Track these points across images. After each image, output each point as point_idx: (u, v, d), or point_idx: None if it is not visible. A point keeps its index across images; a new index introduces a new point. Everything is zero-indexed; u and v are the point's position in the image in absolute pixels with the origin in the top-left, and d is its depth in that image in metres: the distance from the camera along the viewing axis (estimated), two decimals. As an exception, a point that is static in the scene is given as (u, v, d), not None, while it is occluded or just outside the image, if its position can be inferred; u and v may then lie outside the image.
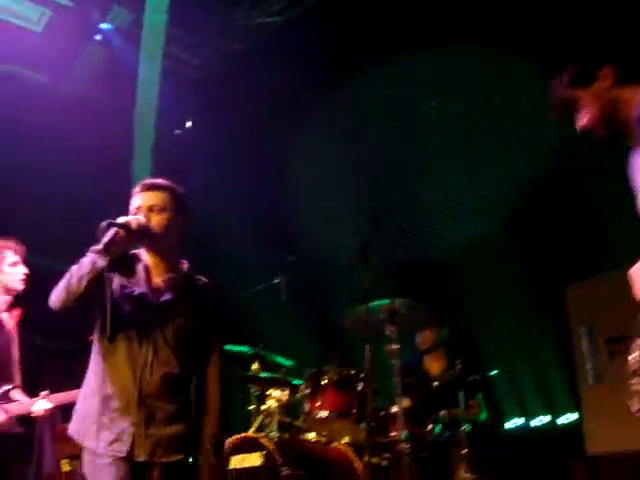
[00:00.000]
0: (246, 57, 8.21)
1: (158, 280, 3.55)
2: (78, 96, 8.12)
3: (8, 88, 7.54)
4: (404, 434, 4.71)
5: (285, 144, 8.00)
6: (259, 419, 5.55)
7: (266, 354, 5.81)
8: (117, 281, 3.46)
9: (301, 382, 5.49)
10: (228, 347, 5.91)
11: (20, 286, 5.02)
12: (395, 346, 4.93)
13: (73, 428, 3.48)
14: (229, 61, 8.39)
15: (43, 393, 4.83)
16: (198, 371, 3.55)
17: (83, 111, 7.91)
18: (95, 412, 3.38)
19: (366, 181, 7.54)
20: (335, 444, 5.36)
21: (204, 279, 3.67)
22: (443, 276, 6.70)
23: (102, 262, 3.25)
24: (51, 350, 7.23)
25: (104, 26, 8.16)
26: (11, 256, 5.04)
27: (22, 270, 5.06)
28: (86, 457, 3.40)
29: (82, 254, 3.34)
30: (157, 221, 3.47)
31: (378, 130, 7.53)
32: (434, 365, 5.89)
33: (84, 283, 3.25)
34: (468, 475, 4.71)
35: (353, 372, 5.25)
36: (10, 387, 4.86)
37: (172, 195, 3.56)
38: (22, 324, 5.14)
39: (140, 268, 3.56)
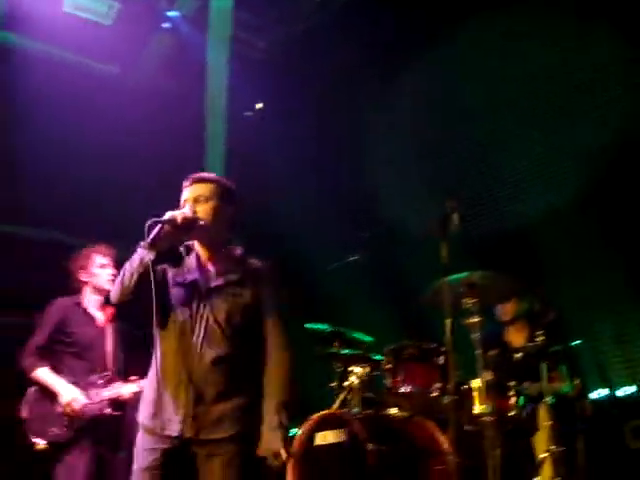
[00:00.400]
0: (311, 36, 8.20)
1: (210, 267, 3.67)
2: (148, 85, 8.24)
3: (80, 81, 7.71)
4: (487, 407, 4.68)
5: (358, 120, 7.98)
6: (342, 396, 5.59)
7: (346, 331, 5.84)
8: (170, 272, 3.64)
9: (382, 358, 5.50)
10: (308, 325, 5.99)
11: (108, 286, 5.27)
12: (475, 319, 4.88)
13: (139, 411, 3.67)
14: (295, 42, 8.40)
15: (132, 378, 5.21)
16: (257, 352, 3.64)
17: (154, 100, 8.03)
18: (151, 395, 3.58)
19: (443, 152, 7.46)
20: (418, 419, 5.36)
21: (257, 262, 3.76)
22: (523, 246, 6.59)
23: (149, 257, 3.41)
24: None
25: (171, 14, 8.25)
26: (99, 259, 5.46)
27: (110, 271, 5.41)
28: (140, 436, 3.58)
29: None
30: (203, 210, 3.62)
31: (454, 101, 7.44)
32: (516, 336, 5.82)
33: (135, 278, 3.45)
34: (553, 447, 4.65)
35: (434, 346, 5.22)
36: (105, 374, 5.16)
37: (218, 186, 3.71)
38: (121, 318, 5.43)
39: (192, 257, 3.70)
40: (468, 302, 4.94)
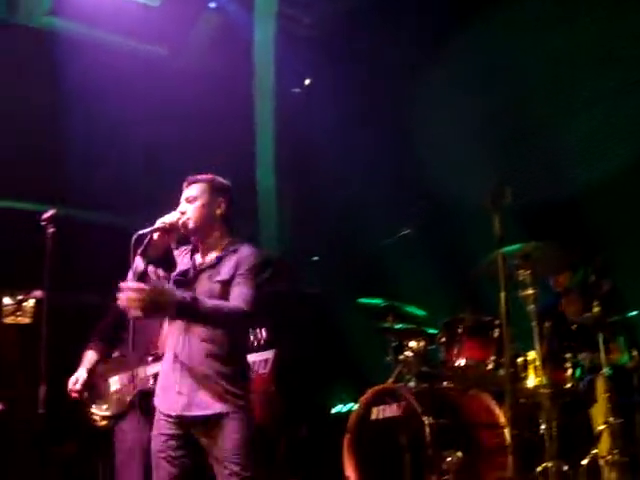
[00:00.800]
0: (358, 11, 8.13)
1: (198, 257, 4.00)
2: (196, 66, 8.28)
3: (128, 64, 7.77)
4: (543, 380, 4.64)
5: (408, 93, 7.91)
6: (397, 370, 5.62)
7: (400, 305, 5.85)
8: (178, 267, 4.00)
9: (437, 331, 5.49)
10: (362, 300, 6.01)
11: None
12: (530, 291, 4.84)
13: None
14: (341, 16, 8.35)
15: None
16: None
17: (202, 80, 8.07)
18: (160, 376, 3.98)
19: (498, 122, 7.35)
20: (474, 392, 5.36)
21: (242, 246, 3.96)
22: (578, 217, 6.48)
23: (141, 265, 3.79)
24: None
25: (217, -7, 8.27)
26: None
27: None
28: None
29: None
30: (191, 209, 3.93)
31: (508, 72, 7.32)
32: (570, 307, 5.74)
33: None
34: (611, 420, 4.60)
35: (489, 319, 5.20)
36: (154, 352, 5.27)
37: (207, 185, 4.00)
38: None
39: (188, 253, 4.05)
40: (522, 274, 4.89)
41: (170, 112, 7.87)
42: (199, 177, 4.05)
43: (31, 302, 5.26)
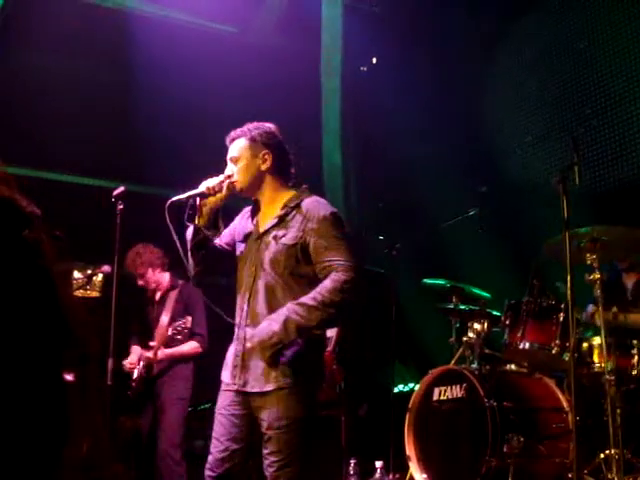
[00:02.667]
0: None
1: (260, 217, 3.66)
2: (265, 44, 8.30)
3: (198, 43, 7.84)
4: (609, 365, 4.58)
5: (475, 72, 7.81)
6: (460, 351, 5.60)
7: (464, 287, 5.82)
8: (239, 229, 3.73)
9: (501, 313, 5.45)
10: (427, 281, 6.00)
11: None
12: (596, 275, 4.76)
13: None
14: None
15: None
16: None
17: (272, 58, 8.09)
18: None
19: (567, 103, 7.21)
20: (537, 376, 5.31)
21: (307, 200, 3.58)
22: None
23: (190, 231, 3.60)
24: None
25: (285, -30, 8.26)
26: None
27: None
28: None
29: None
30: (238, 170, 3.62)
31: (580, 50, 7.15)
32: (628, 280, 5.61)
33: (190, 256, 3.64)
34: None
35: (554, 302, 5.12)
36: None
37: (246, 141, 3.64)
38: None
39: (248, 213, 3.75)
40: (590, 257, 4.81)
41: (238, 89, 7.92)
42: (238, 132, 3.70)
43: (100, 276, 5.42)
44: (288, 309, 3.34)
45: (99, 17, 7.54)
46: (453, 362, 5.57)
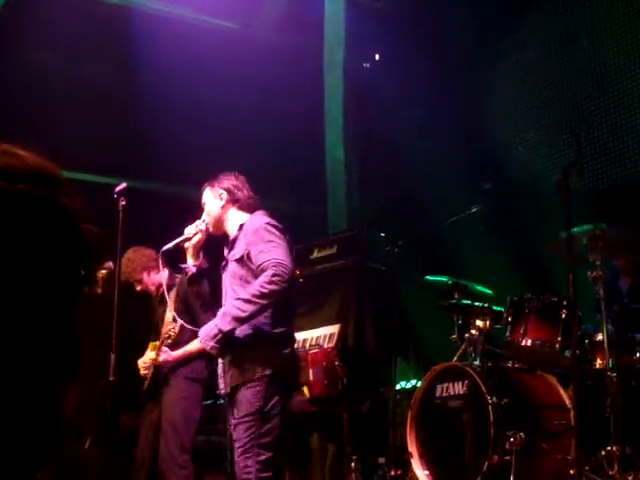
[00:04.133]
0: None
1: (228, 248, 4.37)
2: (268, 40, 8.30)
3: (201, 39, 7.84)
4: (610, 362, 4.58)
5: (479, 69, 7.80)
6: (462, 348, 5.60)
7: (467, 283, 5.82)
8: None
9: (503, 310, 5.45)
10: (429, 277, 6.00)
11: None
12: (599, 272, 4.77)
13: None
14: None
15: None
16: None
17: (274, 54, 8.10)
18: None
19: (569, 101, 7.20)
20: (539, 373, 5.31)
21: (250, 218, 4.30)
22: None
23: (192, 269, 4.54)
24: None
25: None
26: None
27: None
28: None
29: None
30: (205, 214, 4.42)
31: (583, 51, 7.14)
32: (626, 283, 5.62)
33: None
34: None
35: (556, 299, 5.13)
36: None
37: (208, 189, 4.44)
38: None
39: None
40: (592, 254, 4.82)
41: (241, 85, 7.92)
42: (204, 187, 4.48)
43: (102, 273, 5.41)
44: (227, 305, 4.05)
45: (102, 13, 7.55)
46: (455, 359, 5.57)
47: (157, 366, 5.78)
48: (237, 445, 3.97)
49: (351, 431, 5.94)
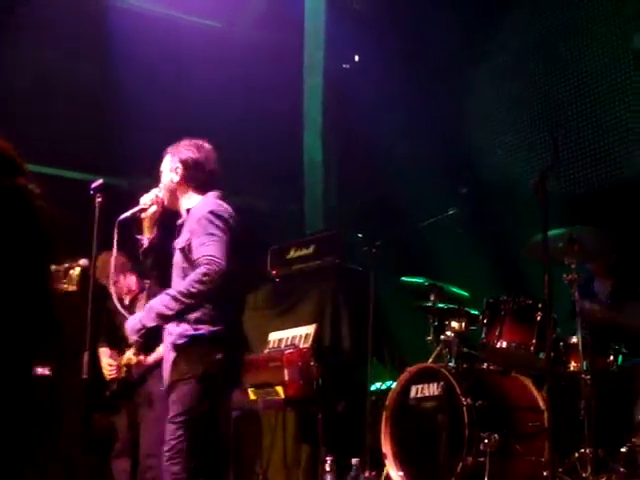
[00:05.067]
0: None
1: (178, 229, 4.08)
2: (249, 39, 8.29)
3: (182, 37, 7.81)
4: (585, 365, 4.61)
5: (457, 72, 7.83)
6: (437, 349, 5.61)
7: (443, 285, 5.83)
8: None
9: (479, 312, 5.47)
10: (405, 278, 6.01)
11: None
12: (574, 275, 4.80)
13: None
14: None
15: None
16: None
17: (254, 54, 8.08)
18: None
19: (547, 105, 7.24)
20: (514, 375, 5.34)
21: (197, 203, 3.97)
22: (627, 201, 6.36)
23: (146, 242, 4.08)
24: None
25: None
26: None
27: None
28: None
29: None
30: (161, 184, 4.10)
31: (559, 55, 7.19)
32: (604, 286, 5.65)
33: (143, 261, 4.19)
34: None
35: (531, 302, 5.16)
36: None
37: (167, 156, 4.11)
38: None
39: None
40: (568, 258, 4.86)
41: (221, 83, 7.88)
42: (167, 149, 4.14)
43: (77, 270, 5.36)
44: (156, 299, 3.79)
45: (81, 8, 7.49)
46: (430, 360, 5.58)
47: (130, 369, 5.77)
48: (165, 448, 3.72)
49: (326, 432, 5.94)
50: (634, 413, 4.73)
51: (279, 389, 5.92)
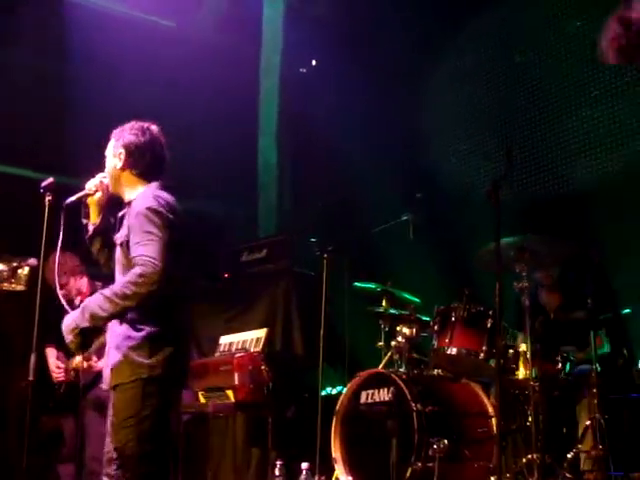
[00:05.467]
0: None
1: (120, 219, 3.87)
2: (204, 41, 8.24)
3: (138, 36, 7.73)
4: (533, 372, 4.67)
5: (414, 78, 7.88)
6: (388, 355, 5.63)
7: (395, 291, 5.86)
8: None
9: (430, 319, 5.50)
10: (357, 284, 6.02)
11: None
12: (524, 283, 4.86)
13: None
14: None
15: None
16: None
17: (209, 55, 8.04)
18: None
19: (501, 114, 7.33)
20: (464, 381, 5.38)
21: (138, 196, 3.72)
22: (577, 211, 6.46)
23: (90, 228, 3.92)
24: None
25: (228, -32, 8.23)
26: None
27: None
28: None
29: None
30: (106, 169, 3.89)
31: (511, 61, 7.29)
32: (551, 299, 5.73)
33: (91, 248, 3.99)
34: (598, 415, 4.62)
35: (482, 309, 5.20)
36: None
37: (113, 141, 3.87)
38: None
39: None
40: (519, 266, 4.91)
41: (175, 85, 7.84)
42: (114, 131, 3.91)
43: (26, 270, 5.27)
44: (91, 298, 3.57)
45: (35, 2, 7.39)
46: (381, 366, 5.60)
47: (78, 373, 5.71)
48: (107, 451, 3.60)
49: (276, 436, 5.93)
50: (580, 420, 4.82)
51: (229, 393, 5.88)
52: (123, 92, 7.45)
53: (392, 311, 5.76)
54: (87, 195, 3.86)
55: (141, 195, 3.68)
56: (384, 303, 5.80)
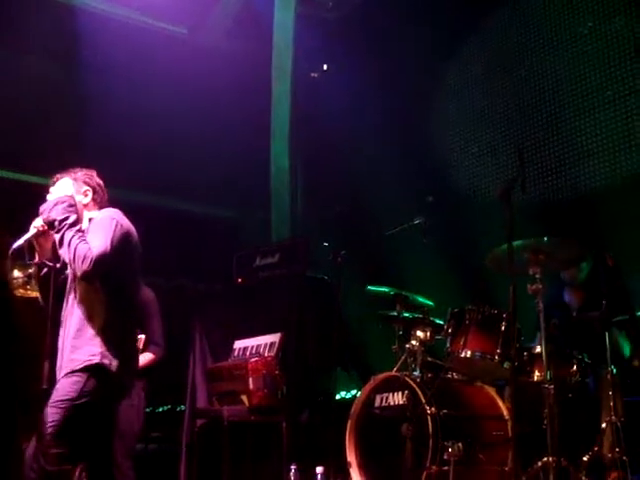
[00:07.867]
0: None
1: None
2: (216, 46, 8.27)
3: (149, 42, 7.77)
4: (548, 375, 4.64)
5: (426, 82, 7.88)
6: (402, 359, 5.62)
7: (408, 294, 5.84)
8: None
9: (444, 322, 5.49)
10: (371, 287, 6.01)
11: None
12: (539, 286, 4.83)
13: None
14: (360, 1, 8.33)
15: None
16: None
17: (221, 60, 8.07)
18: None
19: (513, 117, 7.31)
20: (478, 384, 5.36)
21: (96, 217, 4.14)
22: (592, 212, 6.43)
23: (44, 267, 4.24)
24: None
25: (239, -28, 8.25)
26: None
27: None
28: None
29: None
30: None
31: (526, 63, 7.28)
32: (575, 298, 5.70)
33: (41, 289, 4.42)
34: (614, 418, 4.60)
35: (496, 312, 5.18)
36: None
37: (70, 180, 4.25)
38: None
39: None
40: (533, 268, 4.88)
41: (187, 90, 7.86)
42: (61, 174, 4.28)
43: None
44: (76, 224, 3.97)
45: (46, 9, 7.42)
46: (395, 369, 5.58)
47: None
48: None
49: (290, 440, 5.92)
50: (597, 422, 4.78)
51: (244, 397, 5.89)
52: (136, 99, 7.49)
53: (406, 314, 5.75)
54: (36, 235, 4.10)
55: (104, 211, 4.16)
56: (398, 307, 5.79)
